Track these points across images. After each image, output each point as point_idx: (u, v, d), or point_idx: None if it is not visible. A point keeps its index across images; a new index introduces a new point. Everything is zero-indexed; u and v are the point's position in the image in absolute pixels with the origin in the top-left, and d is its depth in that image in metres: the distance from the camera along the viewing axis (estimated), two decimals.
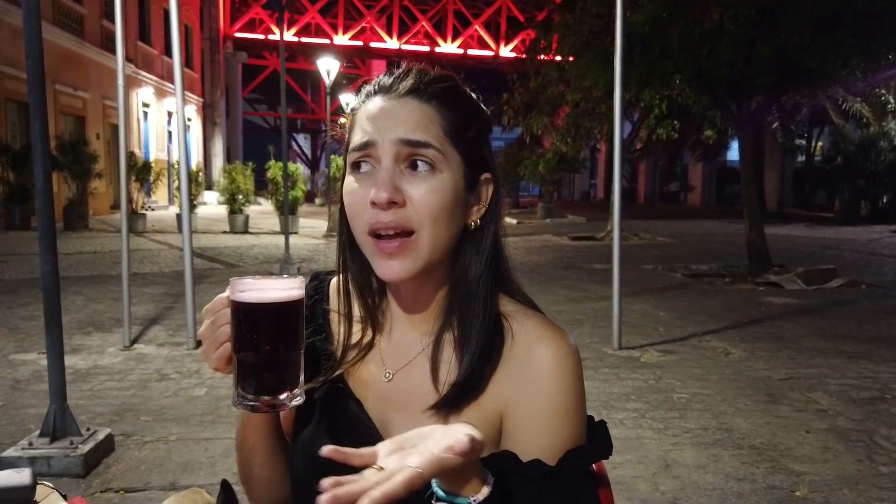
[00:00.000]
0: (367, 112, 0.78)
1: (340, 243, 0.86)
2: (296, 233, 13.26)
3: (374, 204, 0.74)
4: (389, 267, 0.77)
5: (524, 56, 17.18)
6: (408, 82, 0.78)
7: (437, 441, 0.63)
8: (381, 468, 0.60)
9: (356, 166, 0.78)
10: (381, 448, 0.64)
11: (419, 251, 0.76)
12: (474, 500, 0.66)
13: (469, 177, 0.79)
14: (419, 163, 0.76)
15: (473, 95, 0.84)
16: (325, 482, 0.57)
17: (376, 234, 0.76)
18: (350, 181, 0.79)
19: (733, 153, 26.18)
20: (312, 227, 15.35)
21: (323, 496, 0.55)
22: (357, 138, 0.78)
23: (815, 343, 5.26)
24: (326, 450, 0.61)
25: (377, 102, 0.78)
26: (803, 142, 24.38)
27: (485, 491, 0.67)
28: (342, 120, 0.87)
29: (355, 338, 0.88)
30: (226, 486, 1.78)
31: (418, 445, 0.63)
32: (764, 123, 17.28)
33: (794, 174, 26.99)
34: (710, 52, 7.51)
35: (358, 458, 0.61)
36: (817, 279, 8.04)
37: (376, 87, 0.81)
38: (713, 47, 7.48)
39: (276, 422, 0.90)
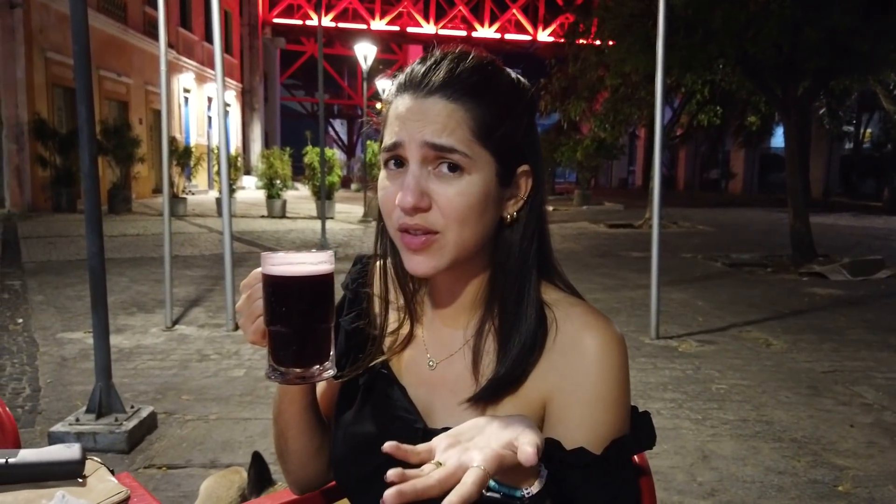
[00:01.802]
0: (396, 110, 0.77)
1: (378, 229, 0.88)
2: (332, 218, 13.38)
3: (401, 208, 0.75)
4: (415, 262, 0.78)
5: (563, 40, 16.94)
6: (438, 76, 0.76)
7: (496, 436, 0.63)
8: (440, 464, 0.61)
9: (387, 164, 0.79)
10: (438, 443, 0.64)
11: (444, 250, 0.76)
12: (527, 493, 0.65)
13: (503, 173, 0.77)
14: (446, 165, 0.74)
15: (515, 79, 0.80)
16: (391, 474, 0.58)
17: (404, 230, 0.77)
18: (383, 177, 0.79)
19: (777, 139, 25.53)
20: (348, 212, 15.46)
21: (389, 492, 0.56)
22: (387, 138, 0.78)
23: (861, 335, 5.12)
24: (388, 446, 0.62)
25: (406, 101, 0.76)
26: (851, 128, 23.61)
27: (538, 484, 0.66)
28: (378, 105, 0.86)
29: (398, 324, 0.89)
30: (257, 458, 1.82)
31: (475, 439, 0.64)
32: (810, 109, 16.77)
33: (841, 161, 26.19)
34: (756, 35, 7.30)
35: (416, 456, 0.63)
36: (864, 270, 7.81)
37: (408, 79, 0.78)
38: (759, 30, 7.27)
39: (312, 397, 0.91)
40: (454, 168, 0.74)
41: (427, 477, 0.59)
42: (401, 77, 0.80)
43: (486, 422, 0.67)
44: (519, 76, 0.82)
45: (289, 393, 0.88)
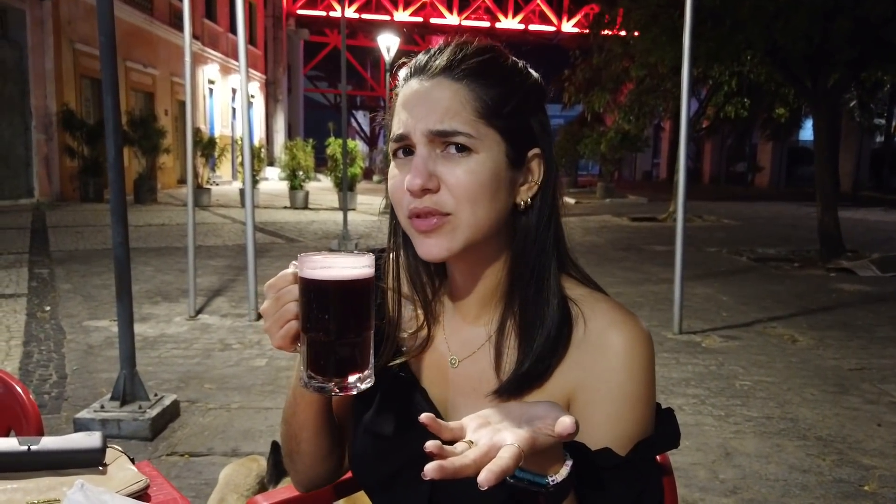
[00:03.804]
0: (403, 99, 0.77)
1: (391, 227, 0.86)
2: (354, 209, 13.41)
3: (409, 191, 0.74)
4: (427, 245, 0.76)
5: (587, 31, 16.73)
6: (441, 60, 0.76)
7: (527, 418, 0.63)
8: (472, 443, 0.61)
9: (395, 154, 0.78)
10: (468, 423, 0.64)
11: (457, 231, 0.75)
12: (553, 481, 0.65)
13: (513, 154, 0.76)
14: (453, 147, 0.74)
15: (518, 64, 0.80)
16: (430, 445, 0.58)
17: (416, 215, 0.75)
18: (392, 168, 0.79)
19: (806, 132, 25.05)
20: (370, 203, 15.48)
21: (431, 466, 0.57)
22: (395, 128, 0.77)
23: (890, 332, 5.01)
24: (425, 417, 0.62)
25: (412, 86, 0.77)
26: (883, 121, 23.06)
27: (563, 472, 0.66)
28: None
29: (416, 322, 0.86)
30: (276, 447, 1.83)
31: (505, 421, 0.64)
32: (841, 101, 16.43)
33: (872, 155, 25.62)
34: (786, 25, 7.14)
35: (449, 432, 0.63)
36: (894, 266, 7.65)
37: (413, 68, 0.79)
38: (788, 20, 7.11)
39: (328, 399, 0.89)
40: (461, 149, 0.74)
41: (463, 456, 0.59)
42: (406, 68, 0.80)
43: (514, 407, 0.67)
44: (525, 64, 0.82)
45: (306, 395, 0.86)
